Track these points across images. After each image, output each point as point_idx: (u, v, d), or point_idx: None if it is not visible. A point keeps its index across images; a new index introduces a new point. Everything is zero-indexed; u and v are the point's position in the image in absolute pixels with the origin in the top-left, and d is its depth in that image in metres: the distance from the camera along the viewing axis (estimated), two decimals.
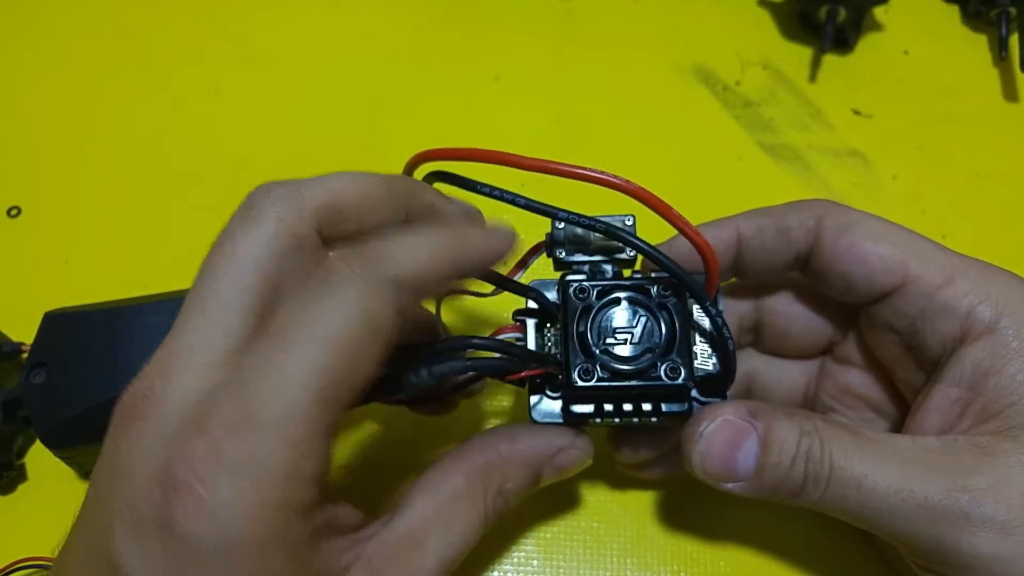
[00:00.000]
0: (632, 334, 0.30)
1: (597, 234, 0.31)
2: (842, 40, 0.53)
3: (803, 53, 0.54)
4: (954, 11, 0.55)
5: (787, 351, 0.37)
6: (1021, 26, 0.52)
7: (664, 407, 0.30)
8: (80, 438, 0.36)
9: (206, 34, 0.55)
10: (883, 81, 0.53)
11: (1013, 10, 0.51)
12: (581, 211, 0.30)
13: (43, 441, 0.36)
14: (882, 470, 0.28)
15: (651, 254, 0.29)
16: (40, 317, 0.39)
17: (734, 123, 0.51)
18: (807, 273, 0.33)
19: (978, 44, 0.54)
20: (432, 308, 0.35)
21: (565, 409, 0.31)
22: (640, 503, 0.38)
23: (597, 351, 0.30)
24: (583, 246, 0.32)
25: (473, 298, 0.34)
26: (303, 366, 0.23)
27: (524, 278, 0.34)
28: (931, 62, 0.53)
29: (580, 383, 0.30)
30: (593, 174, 0.27)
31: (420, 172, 0.33)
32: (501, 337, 0.32)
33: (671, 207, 0.28)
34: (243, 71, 0.53)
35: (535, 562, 0.37)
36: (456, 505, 0.29)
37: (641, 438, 0.34)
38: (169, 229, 0.47)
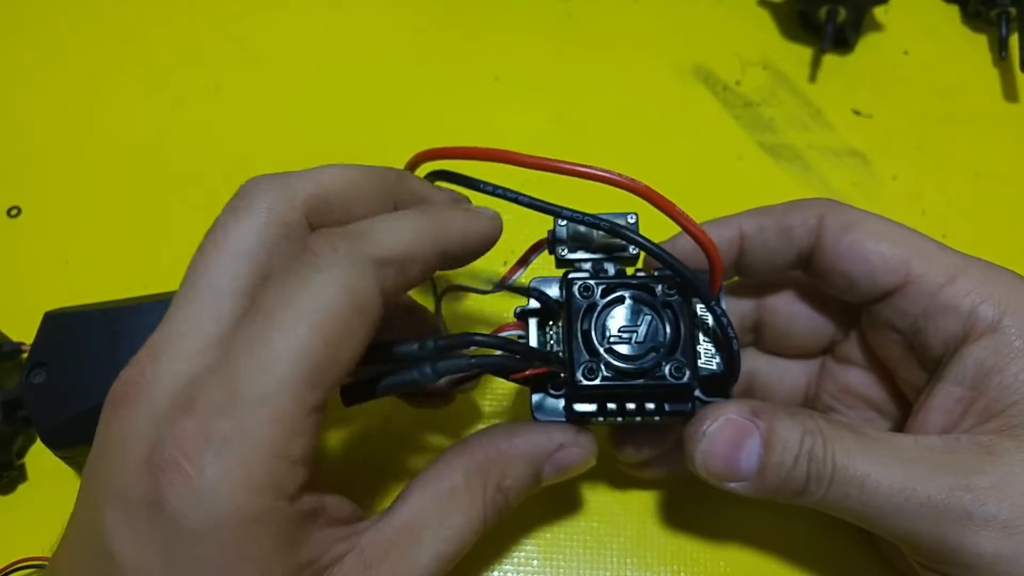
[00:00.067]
0: (636, 333, 0.30)
1: (599, 232, 0.31)
2: (842, 40, 0.53)
3: (803, 53, 0.54)
4: (954, 11, 0.55)
5: (788, 350, 0.37)
6: (1021, 26, 0.52)
7: (667, 406, 0.30)
8: (80, 438, 0.36)
9: (206, 34, 0.55)
10: (883, 81, 0.53)
11: (1013, 10, 0.51)
12: (581, 209, 0.30)
13: (43, 441, 0.36)
14: (885, 469, 0.28)
15: (656, 252, 0.29)
16: (40, 317, 0.39)
17: (734, 123, 0.51)
18: (809, 272, 0.33)
19: (978, 44, 0.54)
20: (431, 307, 0.35)
21: (568, 407, 0.31)
22: (640, 503, 0.38)
23: (601, 350, 0.30)
24: (585, 244, 0.32)
25: (474, 296, 0.34)
26: (289, 343, 0.24)
27: (525, 276, 0.34)
28: (931, 62, 0.53)
29: (584, 382, 0.30)
30: (598, 172, 0.27)
31: (422, 171, 0.33)
32: (504, 335, 0.32)
33: (676, 205, 0.28)
34: (243, 71, 0.53)
35: (535, 562, 0.37)
36: (454, 500, 0.29)
37: (643, 436, 0.34)
38: (169, 229, 0.47)
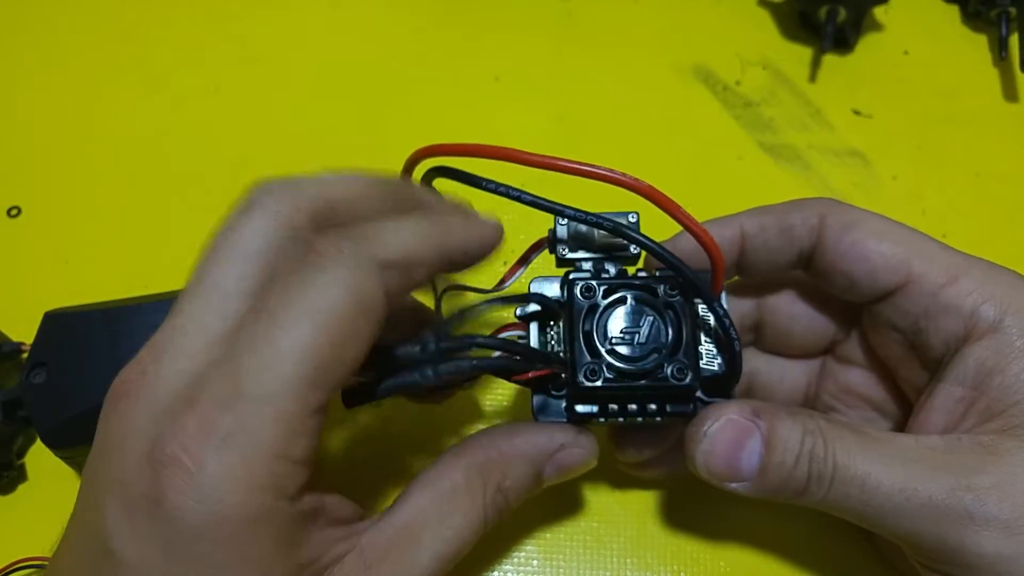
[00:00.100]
0: (638, 334, 0.30)
1: (600, 231, 0.31)
2: (842, 40, 0.53)
3: (803, 53, 0.54)
4: (954, 11, 0.55)
5: (789, 350, 0.37)
6: (1021, 26, 0.52)
7: (669, 407, 0.30)
8: (80, 438, 0.36)
9: (206, 34, 0.55)
10: (883, 81, 0.53)
11: (1013, 10, 0.51)
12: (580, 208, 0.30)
13: (43, 441, 0.36)
14: (886, 469, 0.28)
15: (658, 252, 0.29)
16: (40, 317, 0.39)
17: (734, 123, 0.51)
18: (810, 271, 0.33)
19: (978, 44, 0.54)
20: (432, 305, 0.35)
21: (569, 408, 0.31)
22: (640, 503, 0.38)
23: (603, 351, 0.30)
24: (586, 243, 0.32)
25: (474, 295, 0.34)
26: (294, 342, 0.24)
27: (526, 274, 0.33)
28: (931, 62, 0.53)
29: (586, 384, 0.29)
30: (601, 172, 0.27)
31: (421, 168, 0.33)
32: (504, 336, 0.32)
33: (679, 205, 0.28)
34: (243, 71, 0.53)
35: (535, 562, 0.37)
36: (454, 500, 0.29)
37: (643, 437, 0.34)
38: (169, 229, 0.47)
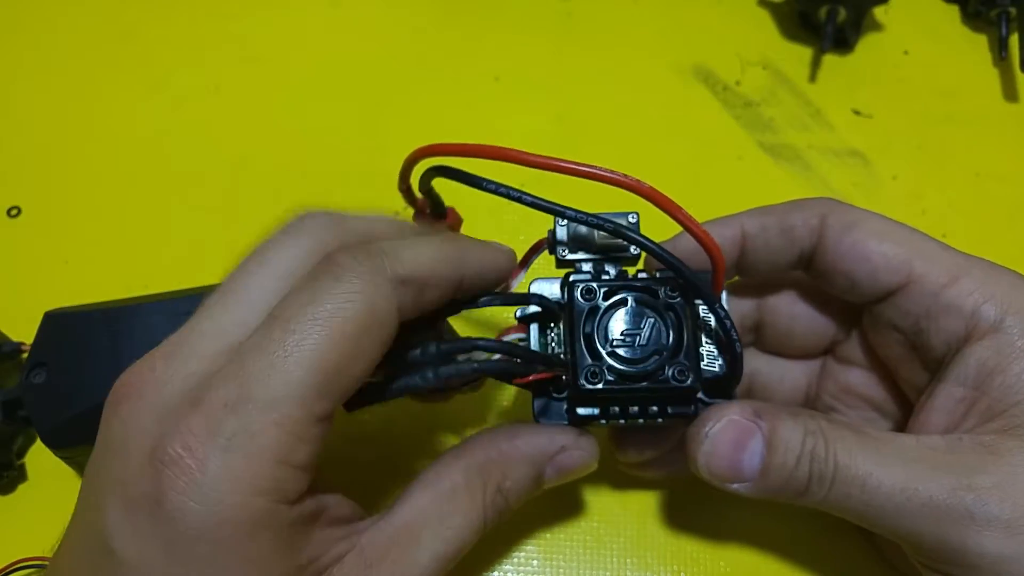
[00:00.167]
0: (639, 336, 0.30)
1: (600, 232, 0.31)
2: (842, 40, 0.53)
3: (803, 53, 0.54)
4: (954, 11, 0.55)
5: (789, 351, 0.36)
6: (1021, 26, 0.52)
7: (670, 409, 0.30)
8: (80, 438, 0.36)
9: (206, 34, 0.55)
10: (883, 81, 0.53)
11: (1013, 10, 0.51)
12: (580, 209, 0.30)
13: (43, 441, 0.36)
14: (887, 469, 0.28)
15: (659, 253, 0.29)
16: (40, 317, 0.38)
17: (734, 123, 0.51)
18: (810, 272, 0.33)
19: (978, 44, 0.54)
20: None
21: (570, 410, 0.31)
22: (640, 503, 0.38)
23: (604, 353, 0.30)
24: (586, 245, 0.32)
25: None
26: (304, 349, 0.24)
27: (526, 275, 0.33)
28: (931, 62, 0.53)
29: (588, 386, 0.29)
30: (602, 173, 0.27)
31: (420, 168, 0.32)
32: (505, 338, 0.32)
33: (679, 206, 0.28)
34: (243, 71, 0.53)
35: (535, 562, 0.37)
36: (454, 501, 0.29)
37: (644, 437, 0.34)
38: (169, 229, 0.47)
